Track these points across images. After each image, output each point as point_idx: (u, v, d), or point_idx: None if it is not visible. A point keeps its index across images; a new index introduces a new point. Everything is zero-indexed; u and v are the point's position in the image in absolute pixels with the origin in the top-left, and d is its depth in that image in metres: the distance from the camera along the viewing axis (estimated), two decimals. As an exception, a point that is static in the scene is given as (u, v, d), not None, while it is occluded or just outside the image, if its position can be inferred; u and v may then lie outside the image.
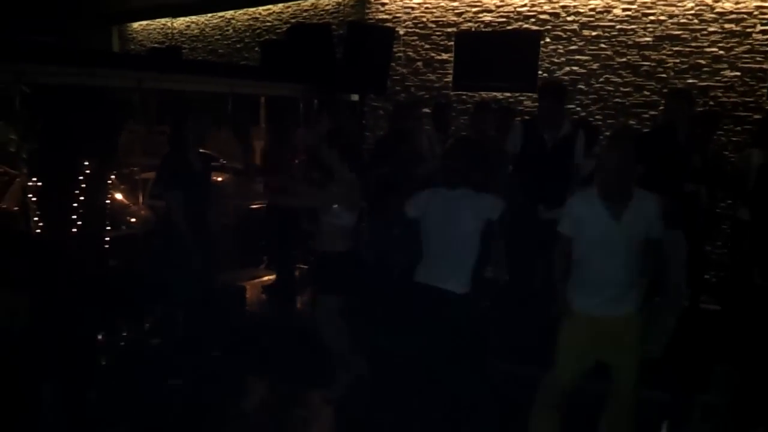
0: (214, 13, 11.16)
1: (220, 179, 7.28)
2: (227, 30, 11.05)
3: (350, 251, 4.18)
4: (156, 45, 12.41)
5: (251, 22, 10.56)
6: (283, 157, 6.16)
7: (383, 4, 8.52)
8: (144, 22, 12.80)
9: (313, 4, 9.36)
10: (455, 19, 8.17)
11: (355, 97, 7.66)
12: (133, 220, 6.38)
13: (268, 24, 10.25)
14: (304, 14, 9.49)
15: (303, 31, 7.87)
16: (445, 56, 8.29)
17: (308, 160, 5.95)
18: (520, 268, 5.38)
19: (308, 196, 4.54)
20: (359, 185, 4.17)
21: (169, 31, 12.25)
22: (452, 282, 3.72)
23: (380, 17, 8.51)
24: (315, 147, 5.11)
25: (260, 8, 10.32)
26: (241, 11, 10.67)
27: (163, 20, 12.34)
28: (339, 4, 8.95)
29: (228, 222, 6.77)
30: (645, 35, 7.38)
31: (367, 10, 8.58)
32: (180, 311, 4.72)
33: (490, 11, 7.99)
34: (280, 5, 9.93)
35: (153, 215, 6.30)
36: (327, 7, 9.15)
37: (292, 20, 9.58)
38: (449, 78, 8.29)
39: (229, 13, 10.93)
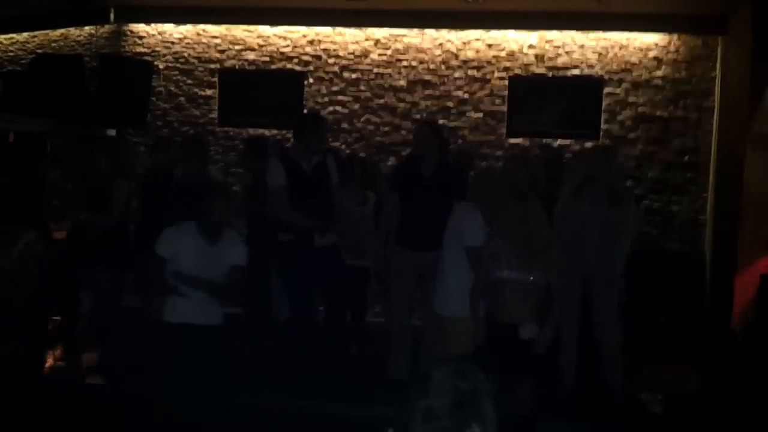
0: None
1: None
2: (-40, 59, 9.87)
3: None
4: None
5: (-10, 52, 9.54)
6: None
7: (141, 38, 8.17)
8: None
9: (62, 34, 8.69)
10: (218, 55, 8.07)
11: (112, 132, 7.25)
12: None
13: (11, 54, 9.31)
14: (53, 45, 8.76)
15: (50, 62, 7.33)
16: (209, 92, 8.13)
17: None
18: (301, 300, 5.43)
19: None
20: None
21: None
22: None
23: (138, 51, 8.14)
24: None
25: (1, 37, 9.36)
26: (-23, 40, 9.60)
27: None
28: (92, 35, 8.40)
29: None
30: (400, 79, 7.88)
31: (123, 43, 8.16)
32: None
33: (253, 50, 8.02)
34: (25, 34, 9.08)
35: None
36: (79, 39, 8.54)
37: (40, 51, 8.82)
38: (214, 114, 8.13)
39: (-38, 42, 9.78)
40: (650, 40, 7.51)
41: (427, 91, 7.84)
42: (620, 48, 7.53)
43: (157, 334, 4.23)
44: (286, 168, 5.19)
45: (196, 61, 8.12)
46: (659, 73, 7.49)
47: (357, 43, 7.94)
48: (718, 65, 7.36)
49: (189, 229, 4.17)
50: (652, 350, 5.91)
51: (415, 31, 7.81)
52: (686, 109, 7.47)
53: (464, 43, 7.78)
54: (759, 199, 6.31)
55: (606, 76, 7.54)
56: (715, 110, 7.36)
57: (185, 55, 8.12)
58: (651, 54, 7.51)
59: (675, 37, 7.47)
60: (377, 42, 7.91)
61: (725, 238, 6.87)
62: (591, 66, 7.56)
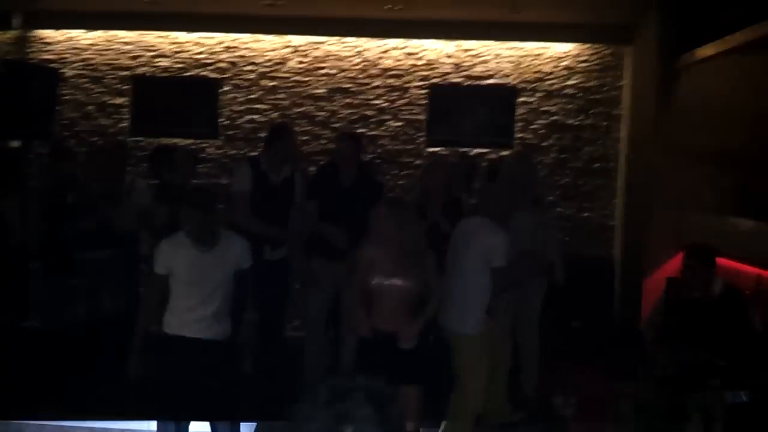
0: None
1: None
2: None
3: None
4: None
5: None
6: None
7: (47, 44, 7.83)
8: None
9: (-39, 40, 8.28)
10: (130, 62, 7.82)
11: (16, 144, 6.93)
12: None
13: None
14: (-50, 51, 8.34)
15: (-53, 69, 6.94)
16: (120, 100, 7.87)
17: None
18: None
19: None
20: None
21: None
22: None
23: (44, 57, 7.80)
24: None
25: None
26: None
27: None
28: (-6, 41, 8.03)
29: None
30: (319, 87, 7.83)
31: (27, 50, 7.80)
32: None
33: (167, 56, 7.82)
34: None
35: None
36: (-20, 44, 8.15)
37: (-63, 57, 8.37)
38: (125, 123, 7.87)
39: None
40: (562, 49, 7.71)
41: (347, 100, 7.82)
42: (534, 57, 7.71)
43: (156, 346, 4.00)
44: (254, 176, 5.14)
45: (106, 68, 7.84)
46: (571, 82, 7.70)
47: (275, 50, 7.85)
48: (625, 74, 7.61)
49: (180, 240, 3.89)
50: (565, 354, 6.03)
51: (334, 38, 7.79)
52: (596, 117, 7.71)
53: (383, 52, 7.80)
54: (666, 205, 6.55)
55: (520, 86, 7.70)
56: (624, 118, 7.61)
57: (95, 62, 7.83)
58: (563, 63, 7.71)
59: (586, 46, 7.70)
60: (296, 49, 7.84)
61: (634, 242, 7.11)
62: (506, 75, 7.70)
